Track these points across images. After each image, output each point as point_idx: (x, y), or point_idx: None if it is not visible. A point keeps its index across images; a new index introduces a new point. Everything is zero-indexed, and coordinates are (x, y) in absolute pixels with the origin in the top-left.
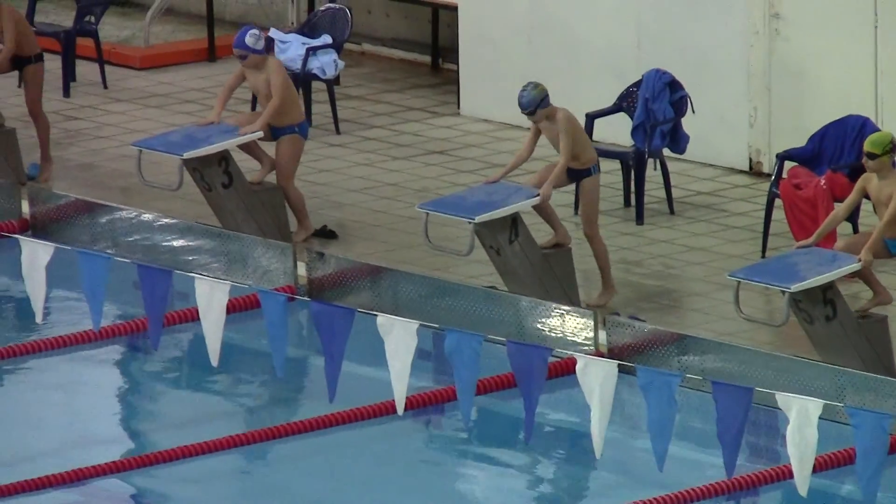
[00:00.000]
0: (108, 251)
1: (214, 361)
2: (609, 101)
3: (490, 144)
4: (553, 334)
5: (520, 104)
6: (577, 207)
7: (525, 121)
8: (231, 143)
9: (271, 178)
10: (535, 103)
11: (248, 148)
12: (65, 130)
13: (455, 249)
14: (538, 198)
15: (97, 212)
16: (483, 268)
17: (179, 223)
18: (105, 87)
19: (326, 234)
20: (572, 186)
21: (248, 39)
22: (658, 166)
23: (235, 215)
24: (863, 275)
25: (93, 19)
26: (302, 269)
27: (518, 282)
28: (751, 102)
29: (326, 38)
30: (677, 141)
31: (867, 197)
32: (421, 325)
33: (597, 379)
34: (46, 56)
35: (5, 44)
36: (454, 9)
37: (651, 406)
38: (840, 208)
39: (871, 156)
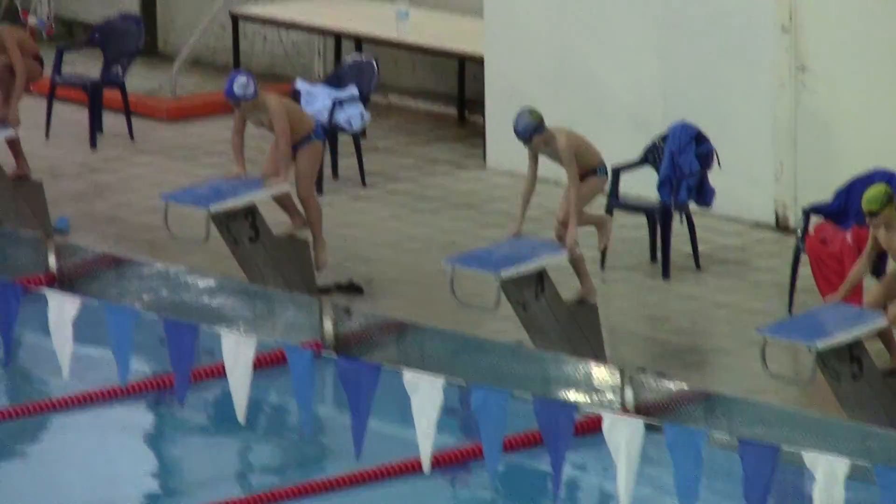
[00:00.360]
0: (135, 305)
1: (241, 418)
2: (635, 155)
3: (517, 198)
4: (579, 391)
5: (515, 132)
6: (602, 262)
7: (550, 171)
8: (258, 197)
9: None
10: (531, 130)
11: (279, 199)
12: (91, 183)
13: (482, 304)
14: (565, 252)
15: (124, 265)
16: (510, 323)
17: (206, 277)
18: (132, 138)
19: (352, 288)
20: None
21: (237, 90)
22: (684, 220)
23: (262, 269)
24: (885, 333)
25: (119, 70)
26: (328, 325)
27: (545, 338)
28: (777, 156)
29: (353, 91)
30: (703, 195)
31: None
32: (447, 381)
33: (623, 437)
34: (73, 108)
35: (16, 68)
36: (481, 61)
37: (678, 464)
38: (860, 263)
39: (872, 214)
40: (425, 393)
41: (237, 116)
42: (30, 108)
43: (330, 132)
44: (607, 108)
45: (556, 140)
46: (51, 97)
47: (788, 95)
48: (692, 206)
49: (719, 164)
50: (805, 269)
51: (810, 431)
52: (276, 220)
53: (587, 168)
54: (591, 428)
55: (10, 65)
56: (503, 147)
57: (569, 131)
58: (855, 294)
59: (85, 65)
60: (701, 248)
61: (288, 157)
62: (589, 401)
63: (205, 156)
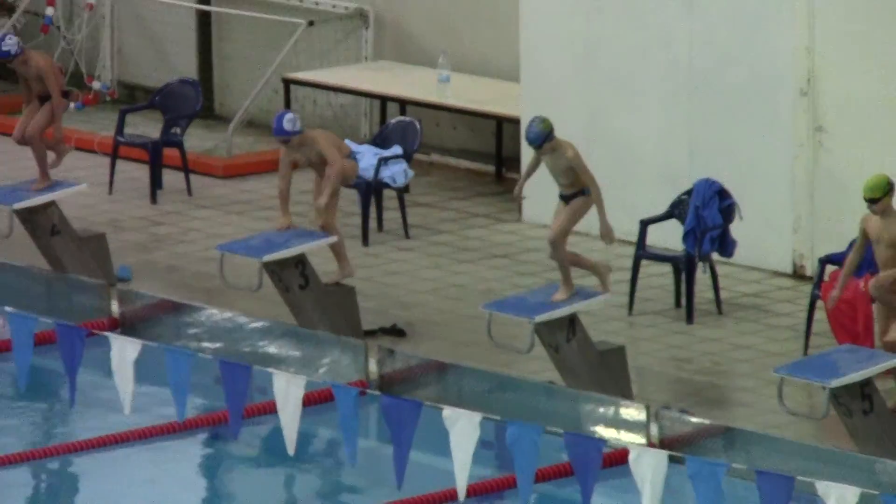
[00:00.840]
0: (192, 347)
1: (291, 451)
2: (662, 208)
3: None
4: (608, 426)
5: (527, 139)
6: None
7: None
8: (308, 248)
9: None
10: (542, 137)
11: (331, 246)
12: (152, 235)
13: (516, 347)
14: (599, 298)
15: (182, 311)
16: (542, 364)
17: (259, 322)
18: (190, 194)
19: (396, 332)
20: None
21: (287, 126)
22: (707, 269)
23: (311, 314)
24: None
25: (178, 131)
26: (373, 365)
27: (575, 377)
28: (795, 210)
29: (397, 149)
30: (726, 246)
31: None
32: (484, 417)
33: (648, 468)
34: (135, 165)
35: (52, 94)
36: (517, 122)
37: (699, 494)
38: (852, 255)
39: (874, 200)
40: (463, 427)
41: (284, 160)
42: (94, 165)
43: (375, 188)
44: (635, 165)
45: (564, 149)
46: (114, 156)
47: (806, 154)
48: (715, 256)
49: (741, 217)
50: (820, 314)
51: (823, 463)
52: (325, 270)
53: (580, 187)
54: (618, 460)
55: (40, 95)
56: (537, 202)
57: (573, 144)
58: (867, 338)
59: (146, 126)
60: (723, 294)
61: (337, 185)
62: (617, 435)
63: (257, 210)
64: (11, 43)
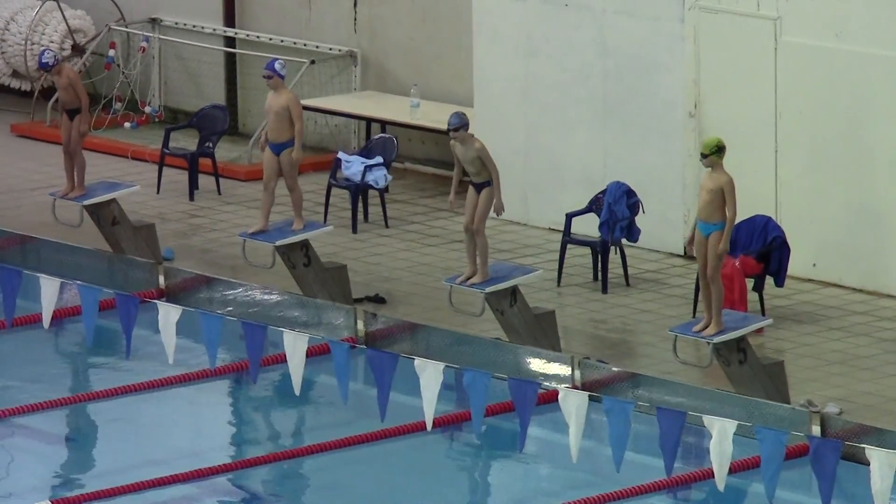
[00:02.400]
0: (221, 312)
1: (297, 392)
2: (583, 204)
3: (497, 235)
4: (541, 373)
5: (449, 123)
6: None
7: (520, 215)
8: (309, 235)
9: (334, 257)
10: (462, 124)
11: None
12: (190, 225)
13: (471, 311)
14: (534, 273)
15: (214, 284)
16: (491, 324)
17: (272, 292)
18: (219, 193)
19: (378, 299)
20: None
21: (277, 66)
22: (618, 251)
23: (312, 286)
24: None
25: (211, 145)
26: (360, 325)
27: (516, 335)
28: (685, 205)
29: (379, 158)
30: (632, 233)
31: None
32: (446, 366)
33: (573, 406)
34: (177, 171)
35: (81, 98)
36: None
37: (612, 426)
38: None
39: (704, 155)
40: (430, 374)
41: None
42: (146, 171)
43: (362, 188)
44: (563, 172)
45: (474, 142)
46: (161, 164)
47: (693, 162)
48: (624, 241)
49: (644, 211)
50: None
51: (708, 401)
52: (324, 252)
53: (487, 177)
54: (549, 399)
55: (72, 101)
56: None
57: (481, 140)
58: (741, 303)
59: (186, 141)
60: (630, 271)
61: (301, 133)
62: (548, 380)
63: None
64: (49, 56)
